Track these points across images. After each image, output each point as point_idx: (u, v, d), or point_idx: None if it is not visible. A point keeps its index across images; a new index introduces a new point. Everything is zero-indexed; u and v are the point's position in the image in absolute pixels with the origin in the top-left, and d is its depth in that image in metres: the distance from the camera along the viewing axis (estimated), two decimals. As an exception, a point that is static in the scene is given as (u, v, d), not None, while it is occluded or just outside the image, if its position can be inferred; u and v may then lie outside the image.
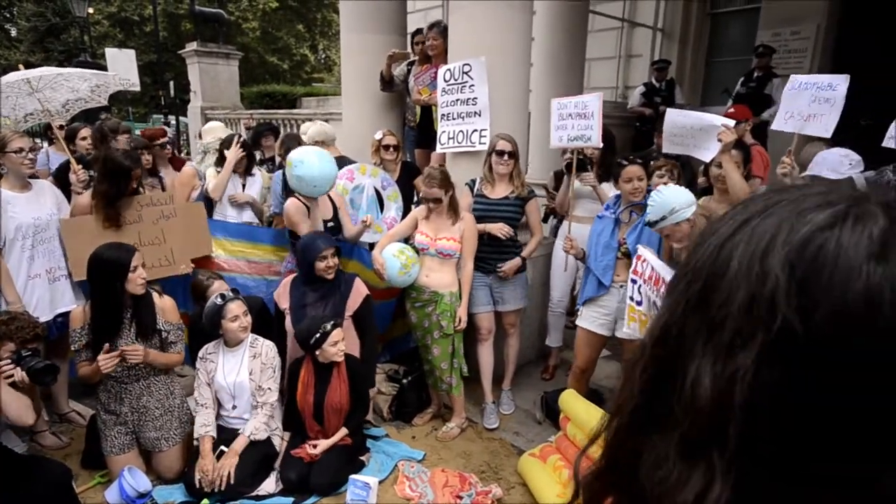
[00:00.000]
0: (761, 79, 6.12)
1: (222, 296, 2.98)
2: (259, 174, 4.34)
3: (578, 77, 6.44)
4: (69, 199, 3.47)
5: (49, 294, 3.18)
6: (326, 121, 8.47)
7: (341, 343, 2.94)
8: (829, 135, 2.93)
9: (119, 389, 2.89)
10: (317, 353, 2.91)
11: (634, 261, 2.73)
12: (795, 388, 0.39)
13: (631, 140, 6.83)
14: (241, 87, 13.90)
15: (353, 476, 2.78)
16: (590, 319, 3.19)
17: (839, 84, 2.88)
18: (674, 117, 3.24)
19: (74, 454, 3.11)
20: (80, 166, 3.52)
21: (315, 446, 2.94)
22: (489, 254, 3.48)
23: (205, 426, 2.94)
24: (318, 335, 2.87)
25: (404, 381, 3.68)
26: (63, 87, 3.73)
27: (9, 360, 2.63)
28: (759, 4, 7.16)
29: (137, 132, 5.17)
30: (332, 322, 2.92)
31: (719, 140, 2.92)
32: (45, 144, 4.84)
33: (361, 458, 3.08)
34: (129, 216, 3.41)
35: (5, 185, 3.09)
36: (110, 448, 2.88)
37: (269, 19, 24.05)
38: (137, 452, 2.95)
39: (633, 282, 2.72)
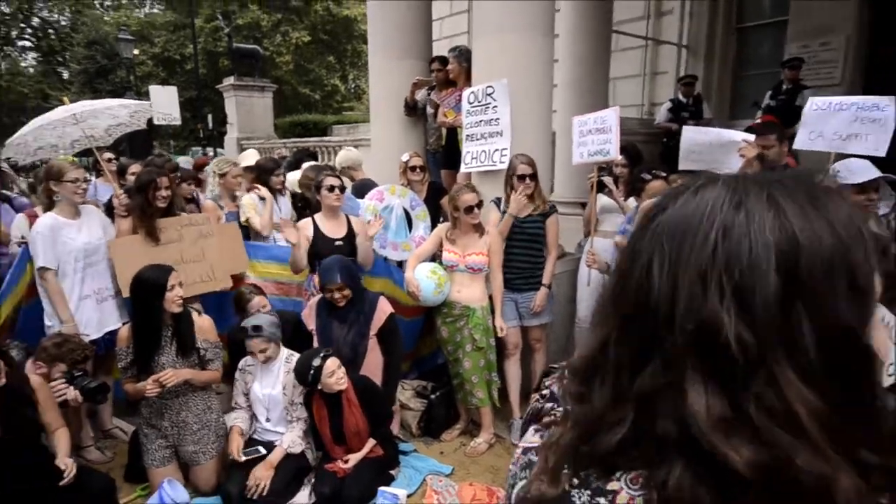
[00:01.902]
0: (791, 91, 6.06)
1: (322, 356, 2.92)
2: (287, 194, 4.57)
3: (603, 96, 6.49)
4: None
5: (98, 313, 3.38)
6: (356, 146, 8.75)
7: (339, 371, 2.92)
8: (882, 153, 2.90)
9: (160, 405, 3.02)
10: (319, 386, 2.92)
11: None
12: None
13: (658, 156, 6.81)
14: (275, 117, 14.47)
15: (382, 488, 2.82)
16: None
17: (888, 105, 2.87)
18: (691, 135, 3.26)
19: (117, 468, 3.24)
20: (124, 193, 3.74)
21: (347, 461, 2.99)
22: (514, 270, 3.51)
23: (236, 419, 3.11)
24: (311, 373, 2.86)
25: (432, 396, 3.71)
26: (104, 115, 3.99)
27: (62, 380, 2.80)
28: (786, 17, 7.11)
29: (189, 162, 5.47)
30: (321, 355, 2.90)
31: (741, 155, 2.92)
32: (94, 177, 5.14)
33: (391, 471, 3.11)
34: (170, 235, 3.60)
35: (58, 212, 3.31)
36: (151, 461, 3.00)
37: (302, 53, 24.99)
38: (177, 465, 3.06)
39: None
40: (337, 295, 3.15)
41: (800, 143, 3.12)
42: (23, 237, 3.64)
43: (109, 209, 3.79)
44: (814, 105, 3.01)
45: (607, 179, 3.77)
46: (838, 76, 6.52)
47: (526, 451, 0.66)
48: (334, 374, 2.91)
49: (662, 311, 0.48)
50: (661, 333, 0.48)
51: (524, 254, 3.52)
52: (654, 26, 8.47)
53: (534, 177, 3.46)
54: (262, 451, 2.99)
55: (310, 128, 14.44)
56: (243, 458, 2.93)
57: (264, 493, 2.83)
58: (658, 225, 0.51)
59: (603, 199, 3.84)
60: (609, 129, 3.30)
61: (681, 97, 6.99)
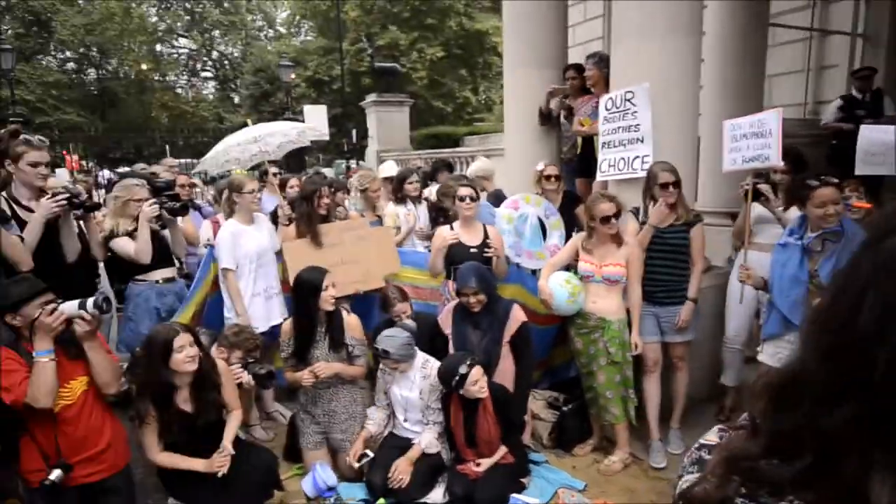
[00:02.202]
0: None
1: (469, 364, 3.04)
2: (424, 203, 4.83)
3: (757, 96, 5.93)
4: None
5: (265, 309, 3.85)
6: (488, 156, 8.93)
7: (482, 381, 2.99)
8: None
9: (314, 393, 3.35)
10: (461, 391, 3.01)
11: None
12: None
13: (825, 160, 6.04)
14: (411, 130, 15.25)
15: (514, 495, 2.85)
16: (774, 356, 2.89)
17: None
18: (871, 134, 2.85)
19: (278, 447, 3.63)
20: (287, 204, 4.24)
21: (479, 464, 3.07)
22: (657, 281, 3.35)
23: (370, 420, 3.32)
24: (457, 378, 2.95)
25: (565, 408, 3.67)
26: (277, 134, 4.59)
27: (238, 365, 3.23)
28: None
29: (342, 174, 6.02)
30: (468, 363, 2.98)
31: None
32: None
33: (522, 480, 3.13)
34: (333, 239, 4.01)
35: (237, 219, 3.83)
36: (306, 444, 3.33)
37: (436, 67, 26.05)
38: (327, 450, 3.36)
39: None
40: (472, 300, 3.25)
41: None
42: (208, 240, 4.26)
43: (273, 218, 4.31)
44: None
45: (764, 187, 3.44)
46: None
47: (701, 447, 0.66)
48: (478, 383, 2.99)
49: (867, 354, 0.43)
50: (858, 376, 0.44)
51: (666, 266, 3.35)
52: (821, 15, 7.55)
53: (677, 185, 3.28)
54: (371, 454, 3.17)
55: (443, 139, 14.99)
56: (356, 465, 3.14)
57: (403, 486, 3.01)
58: (881, 251, 0.46)
59: (758, 209, 3.51)
60: (769, 132, 3.02)
61: (855, 93, 6.14)
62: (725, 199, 5.33)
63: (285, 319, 3.59)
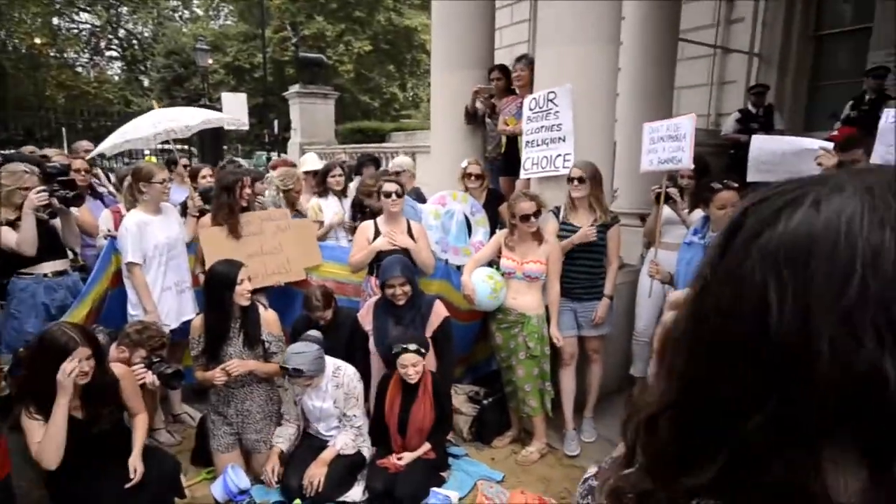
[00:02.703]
0: (874, 101, 5.70)
1: (404, 348, 3.04)
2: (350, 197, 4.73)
3: (667, 105, 6.32)
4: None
5: (177, 304, 3.61)
6: (414, 153, 8.90)
7: (417, 367, 3.02)
8: None
9: (227, 393, 3.18)
10: (400, 370, 3.02)
11: None
12: (700, 320, 0.47)
13: (725, 169, 6.55)
14: (336, 124, 14.92)
15: (434, 489, 2.85)
16: None
17: None
18: (761, 144, 3.11)
19: (185, 451, 3.43)
20: (198, 195, 3.99)
21: (400, 458, 3.04)
22: (574, 278, 3.48)
23: (279, 437, 3.17)
24: (393, 353, 3.02)
25: (485, 402, 3.72)
26: (186, 115, 4.33)
27: (142, 365, 3.00)
28: (869, 24, 6.72)
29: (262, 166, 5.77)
30: (404, 346, 3.01)
31: (818, 164, 2.77)
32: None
33: (442, 473, 3.14)
34: (252, 228, 3.85)
35: (143, 209, 3.55)
36: (217, 446, 3.15)
37: (363, 61, 25.67)
38: (240, 452, 3.20)
39: None
40: (398, 291, 3.21)
41: (877, 157, 2.84)
42: (108, 230, 3.93)
43: (182, 210, 4.05)
44: (889, 117, 2.78)
45: (672, 191, 3.67)
46: (928, 86, 6.08)
47: (585, 480, 0.65)
48: (409, 367, 3.01)
49: (784, 355, 0.40)
50: (777, 379, 0.41)
51: (584, 264, 3.48)
52: (724, 34, 8.18)
53: (583, 180, 3.41)
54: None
55: (369, 134, 14.78)
56: (275, 485, 3.05)
57: (319, 490, 2.93)
58: (768, 243, 0.42)
59: (666, 211, 3.75)
60: (683, 136, 3.22)
61: (750, 107, 6.71)
62: (638, 202, 5.65)
63: (198, 315, 3.39)
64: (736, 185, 2.98)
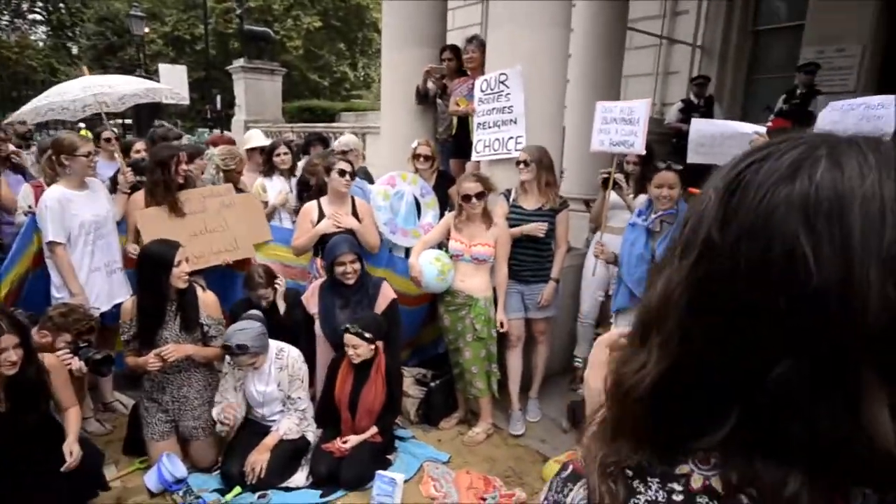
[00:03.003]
0: (805, 96, 6.01)
1: (346, 328, 3.00)
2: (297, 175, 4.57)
3: (615, 93, 6.45)
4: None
5: (108, 286, 3.39)
6: (365, 134, 8.72)
7: (360, 349, 2.96)
8: None
9: (162, 379, 3.03)
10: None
11: None
12: (710, 285, 0.47)
13: (667, 156, 6.77)
14: (284, 102, 14.41)
15: (379, 472, 2.83)
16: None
17: (887, 104, 2.78)
18: (700, 126, 3.23)
19: (117, 441, 3.26)
20: (130, 170, 3.74)
21: (346, 442, 3.00)
22: (522, 262, 3.51)
23: (218, 404, 3.01)
24: (340, 329, 2.98)
25: (432, 384, 3.72)
26: (120, 86, 4.02)
27: (67, 350, 2.80)
28: (802, 21, 7.06)
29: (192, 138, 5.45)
30: (347, 326, 2.97)
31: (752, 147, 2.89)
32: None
33: (388, 456, 3.12)
34: (194, 206, 3.65)
35: (65, 185, 3.29)
36: (151, 434, 3.01)
37: (312, 38, 24.88)
38: (176, 440, 3.07)
39: None
40: (349, 269, 3.15)
41: None
42: (29, 207, 3.64)
43: (112, 185, 3.80)
44: (831, 108, 2.97)
45: (618, 176, 3.75)
46: (852, 83, 6.48)
47: (558, 474, 0.62)
48: (353, 348, 2.96)
49: (823, 304, 0.41)
50: (811, 329, 0.42)
51: (533, 247, 3.51)
52: (670, 25, 8.42)
53: (528, 164, 3.42)
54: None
55: (318, 113, 14.38)
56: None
57: (262, 476, 2.85)
58: (793, 198, 0.43)
59: (612, 196, 3.83)
60: (636, 121, 3.27)
61: (692, 98, 6.95)
62: (585, 186, 5.76)
63: (132, 297, 3.20)
64: (679, 167, 3.07)
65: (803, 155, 0.45)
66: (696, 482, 0.49)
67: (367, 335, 2.94)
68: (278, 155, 4.56)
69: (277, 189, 4.43)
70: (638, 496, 0.50)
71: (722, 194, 0.47)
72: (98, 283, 3.35)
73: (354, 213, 3.67)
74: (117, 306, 3.33)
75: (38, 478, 2.38)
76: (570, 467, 0.58)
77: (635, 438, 0.52)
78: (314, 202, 3.70)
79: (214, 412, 3.00)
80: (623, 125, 3.36)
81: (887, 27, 6.46)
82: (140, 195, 3.59)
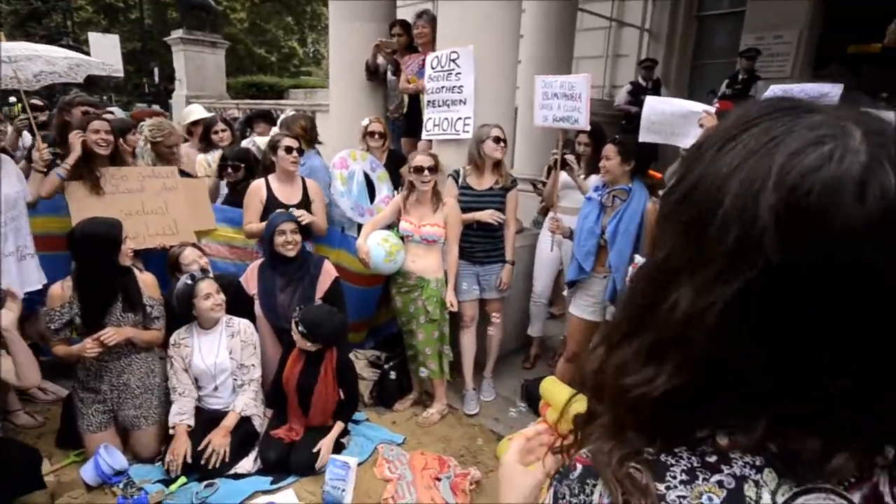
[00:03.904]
0: (746, 81, 6.24)
1: (192, 276, 2.96)
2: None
3: (566, 74, 6.49)
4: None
5: (20, 273, 3.10)
6: (314, 112, 8.46)
7: (217, 297, 2.92)
8: None
9: (99, 367, 2.86)
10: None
11: (630, 269, 2.69)
12: (763, 314, 0.45)
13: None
14: (228, 77, 13.78)
15: (332, 456, 2.78)
16: (580, 307, 3.24)
17: (831, 91, 2.81)
18: (654, 104, 3.27)
19: (49, 433, 3.07)
20: (46, 145, 3.45)
21: (298, 433, 2.95)
22: (475, 243, 3.50)
23: (180, 414, 2.89)
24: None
25: (386, 366, 3.69)
26: (39, 60, 3.69)
27: None
28: (744, 8, 7.29)
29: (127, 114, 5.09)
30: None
31: (700, 126, 2.95)
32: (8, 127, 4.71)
33: (342, 440, 3.08)
34: (130, 184, 3.44)
35: None
36: (87, 426, 2.84)
37: (258, 11, 23.84)
38: (115, 431, 2.92)
39: None
40: (289, 238, 3.05)
41: None
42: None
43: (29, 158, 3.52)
44: (772, 92, 3.04)
45: (569, 157, 3.78)
46: (789, 69, 6.77)
47: (552, 485, 0.59)
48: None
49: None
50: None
51: (484, 227, 3.50)
52: (619, 8, 8.52)
53: (506, 142, 3.41)
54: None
55: (265, 90, 13.83)
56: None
57: (226, 460, 2.77)
58: (873, 215, 0.42)
59: (563, 177, 3.86)
60: (578, 96, 3.28)
61: (641, 80, 7.10)
62: (535, 167, 5.80)
63: (45, 285, 3.00)
64: (621, 142, 3.11)
65: (866, 162, 0.43)
66: (723, 440, 0.49)
67: (315, 339, 2.88)
68: (216, 132, 4.34)
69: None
70: (672, 468, 0.49)
71: (779, 209, 0.43)
72: (12, 270, 3.06)
73: (305, 193, 3.55)
74: (29, 294, 3.08)
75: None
76: (579, 465, 0.55)
77: (646, 434, 0.51)
78: (262, 180, 3.56)
79: (172, 415, 2.90)
80: (566, 101, 3.37)
81: (822, 15, 6.76)
82: (45, 177, 3.29)
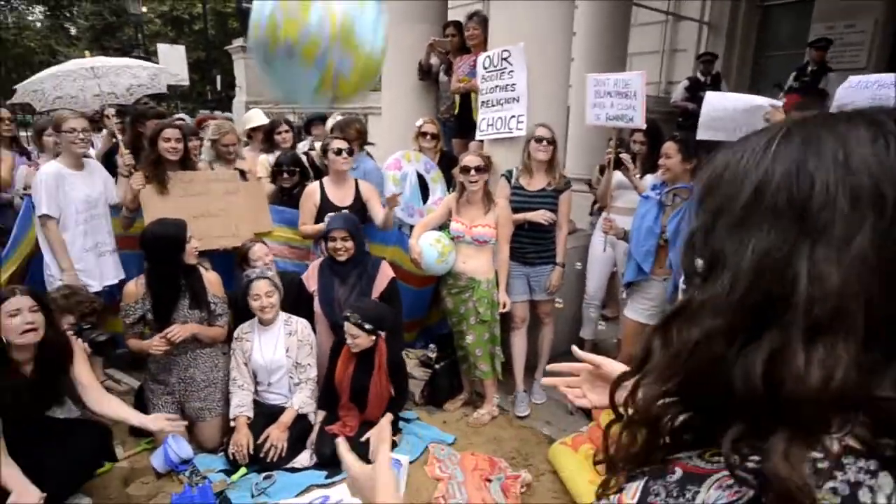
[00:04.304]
0: (816, 73, 5.90)
1: (247, 276, 3.07)
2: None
3: (620, 71, 6.33)
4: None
5: (98, 267, 3.36)
6: (366, 115, 8.62)
7: (359, 340, 2.90)
8: None
9: (168, 361, 3.03)
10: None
11: None
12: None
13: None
14: (285, 82, 14.23)
15: (385, 453, 2.83)
16: (637, 311, 3.17)
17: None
18: (714, 99, 3.15)
19: (122, 423, 3.26)
20: (128, 152, 3.68)
21: (350, 428, 3.01)
22: (526, 244, 3.47)
23: (240, 406, 3.02)
24: (344, 316, 2.95)
25: (437, 366, 3.72)
26: (125, 74, 3.98)
27: (71, 332, 2.80)
28: (812, -3, 6.90)
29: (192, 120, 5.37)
30: (361, 322, 2.88)
31: (767, 121, 2.81)
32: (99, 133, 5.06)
33: (394, 438, 3.13)
34: (196, 188, 3.62)
35: (62, 162, 3.27)
36: (157, 416, 3.01)
37: (313, 17, 24.48)
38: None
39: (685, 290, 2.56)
40: (339, 245, 3.13)
41: None
42: (26, 187, 3.61)
43: (107, 161, 3.76)
44: (849, 83, 2.86)
45: (625, 156, 3.69)
46: (864, 60, 6.36)
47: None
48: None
49: None
50: None
51: (536, 228, 3.46)
52: (676, 1, 8.24)
53: (552, 142, 3.38)
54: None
55: (319, 94, 14.22)
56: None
57: (283, 455, 2.88)
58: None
59: (617, 176, 3.78)
60: (633, 94, 3.20)
61: (699, 76, 6.84)
62: (587, 168, 5.68)
63: (121, 281, 3.20)
64: (681, 139, 3.01)
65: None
66: (834, 445, 0.47)
67: (368, 326, 2.90)
68: (279, 133, 4.50)
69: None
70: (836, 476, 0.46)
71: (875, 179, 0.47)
72: (89, 263, 3.32)
73: (357, 195, 3.63)
74: (108, 287, 3.34)
75: (53, 444, 2.43)
76: (678, 469, 0.53)
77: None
78: (317, 183, 3.66)
79: (232, 408, 3.03)
80: (619, 99, 3.29)
81: (900, 1, 6.31)
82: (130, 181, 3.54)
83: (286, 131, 4.50)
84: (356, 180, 3.69)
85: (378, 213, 3.60)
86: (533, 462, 3.05)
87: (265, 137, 4.58)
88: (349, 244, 3.16)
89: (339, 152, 3.51)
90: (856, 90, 2.82)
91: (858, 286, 0.46)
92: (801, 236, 0.48)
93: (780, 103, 2.89)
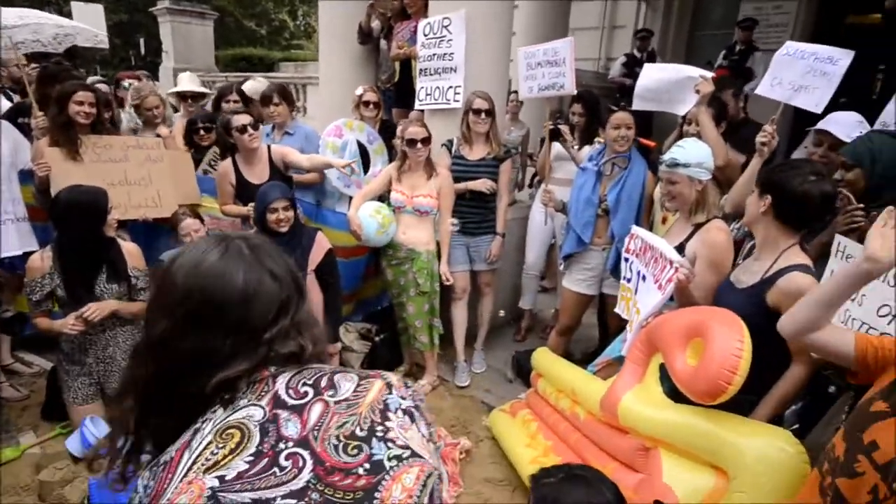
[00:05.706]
0: (743, 52, 6.13)
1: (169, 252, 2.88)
2: None
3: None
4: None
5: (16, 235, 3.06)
6: (304, 86, 8.29)
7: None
8: (819, 110, 2.68)
9: (82, 340, 2.80)
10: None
11: (627, 240, 2.59)
12: None
13: (610, 111, 6.82)
14: (216, 50, 13.48)
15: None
16: (575, 281, 3.21)
17: (840, 59, 2.62)
18: (650, 71, 3.18)
19: (34, 406, 3.05)
20: (42, 114, 3.35)
21: None
22: (466, 214, 3.45)
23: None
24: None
25: (377, 339, 3.68)
26: (26, 28, 3.58)
27: None
28: (743, -22, 7.14)
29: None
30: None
31: (696, 92, 2.85)
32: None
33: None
34: (114, 153, 3.34)
35: None
36: (73, 398, 2.80)
37: (247, -19, 23.21)
38: (101, 403, 2.88)
39: (626, 260, 2.53)
40: (282, 216, 2.97)
41: (762, 89, 2.87)
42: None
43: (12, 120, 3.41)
44: (786, 50, 2.79)
45: (563, 128, 3.70)
46: (787, 40, 6.64)
47: None
48: (278, 212, 2.85)
49: None
50: None
51: (477, 198, 3.44)
52: (616, -22, 8.33)
53: (490, 113, 3.34)
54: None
55: (255, 63, 13.59)
56: None
57: None
58: None
59: (556, 148, 3.79)
60: (562, 61, 3.17)
61: (636, 52, 6.97)
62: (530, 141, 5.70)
63: (26, 253, 2.92)
64: (631, 108, 3.04)
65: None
66: None
67: None
68: (227, 101, 4.18)
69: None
70: None
71: None
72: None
73: (273, 166, 3.44)
74: (9, 259, 3.05)
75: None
76: None
77: None
78: (229, 161, 3.42)
79: None
80: (549, 68, 3.27)
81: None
82: (45, 142, 3.23)
83: (235, 101, 4.18)
84: (269, 149, 3.49)
85: (300, 159, 3.40)
86: (472, 429, 3.08)
87: (214, 105, 4.26)
88: (290, 213, 3.01)
89: (243, 129, 3.29)
90: (793, 58, 2.79)
91: None
92: None
93: (710, 74, 2.93)
